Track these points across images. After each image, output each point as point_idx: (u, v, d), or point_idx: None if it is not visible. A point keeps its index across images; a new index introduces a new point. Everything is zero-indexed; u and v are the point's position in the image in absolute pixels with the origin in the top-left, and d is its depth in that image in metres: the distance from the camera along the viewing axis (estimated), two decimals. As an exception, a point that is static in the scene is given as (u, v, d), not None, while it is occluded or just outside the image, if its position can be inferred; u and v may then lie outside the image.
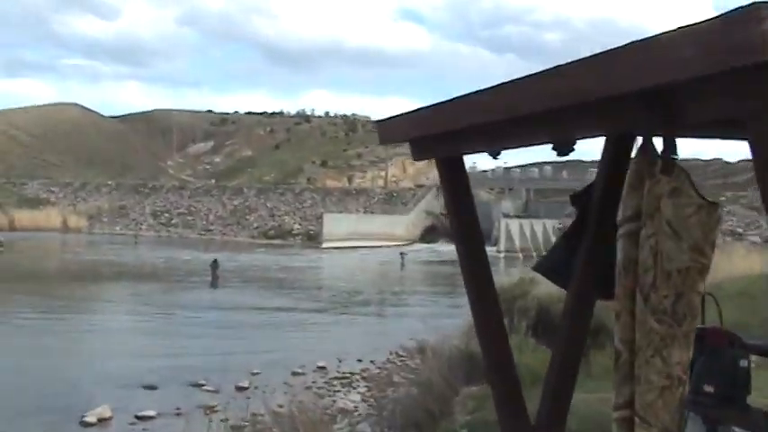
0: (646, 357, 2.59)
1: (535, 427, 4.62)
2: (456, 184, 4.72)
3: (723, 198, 76.71)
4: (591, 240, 4.56)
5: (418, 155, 4.95)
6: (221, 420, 14.85)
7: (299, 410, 12.00)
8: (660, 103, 2.58)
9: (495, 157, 4.32)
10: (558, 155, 3.69)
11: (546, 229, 72.51)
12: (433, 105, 4.29)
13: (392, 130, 4.80)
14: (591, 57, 2.67)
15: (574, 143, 3.57)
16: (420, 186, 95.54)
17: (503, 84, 3.41)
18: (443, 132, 4.29)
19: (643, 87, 2.49)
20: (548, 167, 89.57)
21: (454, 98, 4.02)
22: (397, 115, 4.73)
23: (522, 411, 4.65)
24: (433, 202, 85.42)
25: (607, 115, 2.81)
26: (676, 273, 2.55)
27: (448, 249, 72.39)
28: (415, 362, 20.19)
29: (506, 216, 74.46)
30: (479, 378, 9.01)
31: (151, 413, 15.64)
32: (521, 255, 67.28)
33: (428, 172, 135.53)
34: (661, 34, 2.45)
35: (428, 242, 78.59)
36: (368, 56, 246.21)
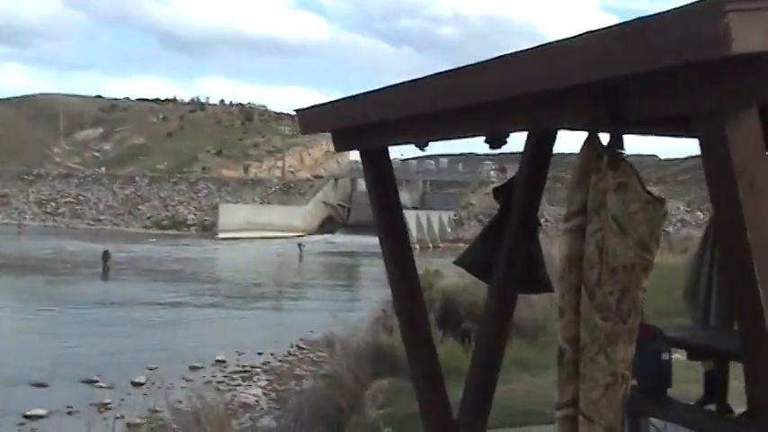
0: (590, 355, 2.57)
1: (458, 422, 4.60)
2: (380, 176, 4.64)
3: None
4: (514, 234, 4.57)
5: (341, 145, 4.85)
6: (116, 418, 14.38)
7: (201, 406, 11.72)
8: (607, 99, 2.55)
9: (422, 149, 4.26)
10: (491, 148, 3.66)
11: (442, 221, 73.61)
12: (358, 96, 4.19)
13: (314, 119, 4.68)
14: (534, 49, 2.62)
15: (507, 136, 3.54)
16: (318, 177, 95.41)
17: (434, 75, 3.35)
18: (368, 123, 4.21)
19: (589, 82, 2.46)
20: (444, 160, 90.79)
21: (380, 89, 3.93)
22: (320, 104, 4.62)
23: (446, 406, 4.62)
24: (331, 194, 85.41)
25: (547, 109, 2.78)
26: (622, 269, 2.54)
27: (345, 240, 72.56)
28: (318, 354, 20.13)
29: (404, 207, 74.95)
30: (388, 372, 9.00)
31: (41, 412, 14.99)
32: (417, 246, 67.86)
33: (325, 163, 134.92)
34: (609, 27, 2.43)
35: (326, 233, 78.48)
36: (265, 44, 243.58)
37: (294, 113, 4.81)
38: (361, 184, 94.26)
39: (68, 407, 15.45)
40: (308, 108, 4.60)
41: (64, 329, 23.81)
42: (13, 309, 28.12)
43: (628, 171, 2.52)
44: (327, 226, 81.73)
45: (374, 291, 31.28)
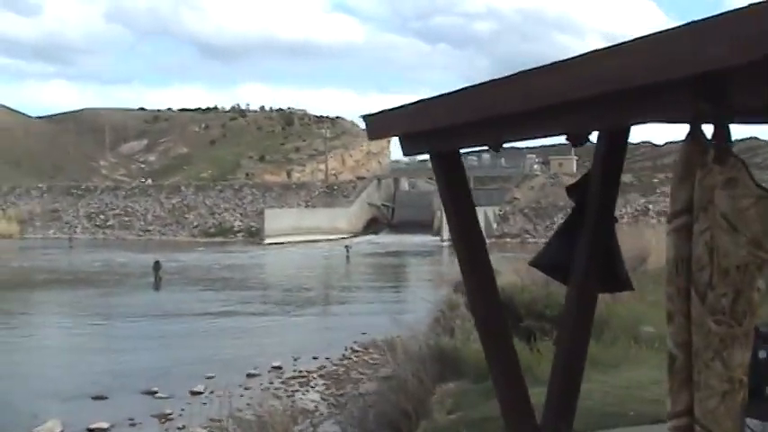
0: (705, 361, 2.44)
1: (541, 427, 4.48)
2: (453, 179, 4.55)
3: (656, 180, 78.40)
4: (591, 232, 4.43)
5: (409, 149, 4.77)
6: (179, 428, 14.50)
7: (262, 413, 11.74)
8: (710, 90, 2.43)
9: (496, 151, 4.15)
10: (574, 146, 3.53)
11: (487, 217, 72.98)
12: (428, 100, 4.10)
13: (382, 124, 4.60)
14: (633, 42, 2.51)
15: (590, 134, 3.42)
16: (360, 178, 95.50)
17: (515, 75, 3.23)
18: (440, 127, 4.11)
19: (693, 73, 2.34)
20: (486, 155, 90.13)
21: (452, 92, 3.83)
22: (387, 110, 4.54)
23: (529, 411, 4.51)
24: (375, 194, 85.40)
25: (651, 103, 2.65)
26: (734, 269, 2.40)
27: (391, 240, 72.54)
28: (373, 357, 20.09)
29: (448, 205, 74.81)
30: (452, 375, 8.87)
31: (104, 425, 15.11)
32: (464, 243, 67.74)
33: (367, 164, 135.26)
34: (712, 18, 2.30)
35: (371, 233, 78.55)
36: (301, 48, 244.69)
37: (361, 118, 4.72)
38: (404, 184, 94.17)
39: (130, 419, 15.58)
40: (375, 114, 4.52)
41: (120, 341, 24.08)
42: (70, 322, 28.56)
43: (737, 165, 2.38)
44: (372, 226, 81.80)
45: (425, 291, 31.19)
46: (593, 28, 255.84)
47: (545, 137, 3.61)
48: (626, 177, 70.59)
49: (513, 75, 3.25)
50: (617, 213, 4.88)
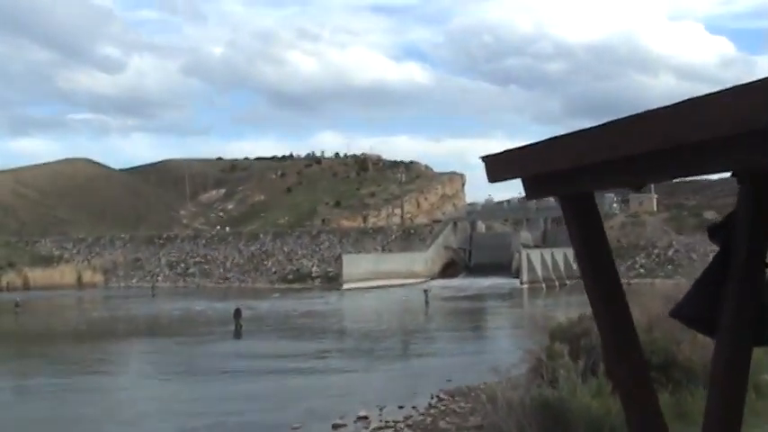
0: None
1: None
2: (587, 223, 4.18)
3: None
4: (739, 279, 3.99)
5: (534, 192, 4.41)
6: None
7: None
8: None
9: (637, 191, 3.78)
10: (739, 183, 3.14)
11: (567, 258, 71.71)
12: (561, 138, 3.75)
13: (505, 165, 4.26)
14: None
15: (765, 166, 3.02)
16: (436, 222, 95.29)
17: (660, 109, 2.89)
18: (574, 167, 3.77)
19: None
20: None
21: (586, 129, 3.49)
22: (510, 150, 4.21)
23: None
24: (451, 237, 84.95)
25: None
26: None
27: (469, 283, 71.83)
28: (460, 405, 19.53)
29: (526, 246, 73.77)
30: (556, 429, 8.35)
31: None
32: (544, 285, 66.54)
33: (442, 206, 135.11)
34: None
35: (449, 277, 77.97)
36: (374, 95, 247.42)
37: (481, 160, 4.38)
38: (481, 227, 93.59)
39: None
40: (497, 155, 4.16)
41: (202, 392, 24.04)
42: (153, 373, 28.71)
43: None
44: (449, 270, 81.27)
45: (512, 336, 30.51)
46: (667, 64, 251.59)
47: (702, 173, 3.22)
48: None
49: (666, 106, 2.87)
50: None
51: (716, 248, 4.09)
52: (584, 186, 4.04)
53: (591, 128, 3.45)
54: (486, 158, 4.40)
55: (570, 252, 72.86)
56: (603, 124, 3.36)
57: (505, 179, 4.59)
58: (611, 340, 4.34)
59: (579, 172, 3.78)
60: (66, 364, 30.09)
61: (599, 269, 4.36)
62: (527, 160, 4.08)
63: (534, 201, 61.36)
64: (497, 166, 4.40)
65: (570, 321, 12.35)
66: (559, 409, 8.21)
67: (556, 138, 3.82)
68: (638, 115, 3.13)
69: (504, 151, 4.29)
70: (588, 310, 12.08)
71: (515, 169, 4.31)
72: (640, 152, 3.15)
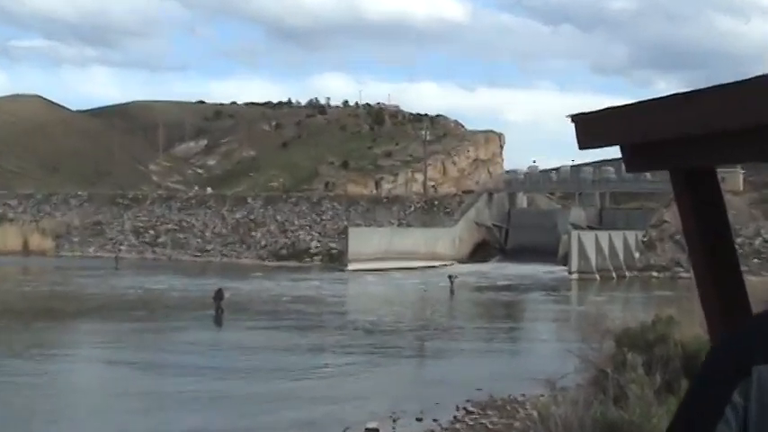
0: None
1: None
2: (704, 205, 4.03)
3: None
4: None
5: (636, 164, 4.26)
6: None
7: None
8: None
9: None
10: None
11: (627, 244, 71.52)
12: (670, 98, 3.61)
13: (603, 128, 4.12)
14: None
15: None
16: (467, 192, 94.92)
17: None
18: (686, 135, 3.61)
19: None
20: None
21: (708, 89, 3.32)
22: (611, 109, 4.06)
23: None
24: (485, 212, 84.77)
25: None
26: None
27: (505, 270, 71.75)
28: (493, 421, 19.51)
29: (577, 228, 73.53)
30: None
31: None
32: (598, 276, 66.36)
33: (474, 173, 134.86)
34: None
35: (479, 261, 77.89)
36: (394, 31, 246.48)
37: (570, 118, 4.22)
38: (522, 200, 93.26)
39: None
40: (591, 114, 3.99)
41: (164, 388, 24.15)
42: (103, 363, 28.78)
43: None
44: (481, 252, 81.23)
45: (558, 340, 30.41)
46: (762, 6, 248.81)
47: None
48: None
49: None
50: None
51: None
52: (702, 159, 3.88)
53: (727, 84, 3.27)
54: (577, 118, 4.24)
55: (633, 236, 72.67)
56: (747, 80, 3.18)
57: (601, 145, 4.44)
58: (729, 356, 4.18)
59: (706, 140, 3.62)
60: None
61: (717, 260, 4.20)
62: (636, 122, 3.93)
63: (590, 170, 60.83)
64: (593, 129, 4.23)
65: (643, 325, 12.19)
66: (628, 434, 8.09)
67: (676, 95, 3.65)
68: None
69: (604, 110, 4.12)
70: (662, 311, 11.87)
71: (617, 134, 4.15)
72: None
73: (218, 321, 39.50)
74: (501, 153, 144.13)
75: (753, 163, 3.67)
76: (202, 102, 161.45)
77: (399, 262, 71.63)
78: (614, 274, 67.91)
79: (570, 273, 65.79)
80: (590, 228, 77.11)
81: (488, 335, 37.36)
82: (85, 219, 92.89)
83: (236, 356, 29.71)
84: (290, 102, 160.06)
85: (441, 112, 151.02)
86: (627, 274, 69.16)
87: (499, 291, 57.49)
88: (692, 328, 11.52)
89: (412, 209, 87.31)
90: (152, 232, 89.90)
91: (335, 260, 76.50)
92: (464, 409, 21.67)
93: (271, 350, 31.20)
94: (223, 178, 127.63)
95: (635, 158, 4.38)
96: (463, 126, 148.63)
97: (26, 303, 45.69)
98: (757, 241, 72.80)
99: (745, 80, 3.19)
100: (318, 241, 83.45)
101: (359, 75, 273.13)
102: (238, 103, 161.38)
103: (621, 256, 70.17)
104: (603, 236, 70.50)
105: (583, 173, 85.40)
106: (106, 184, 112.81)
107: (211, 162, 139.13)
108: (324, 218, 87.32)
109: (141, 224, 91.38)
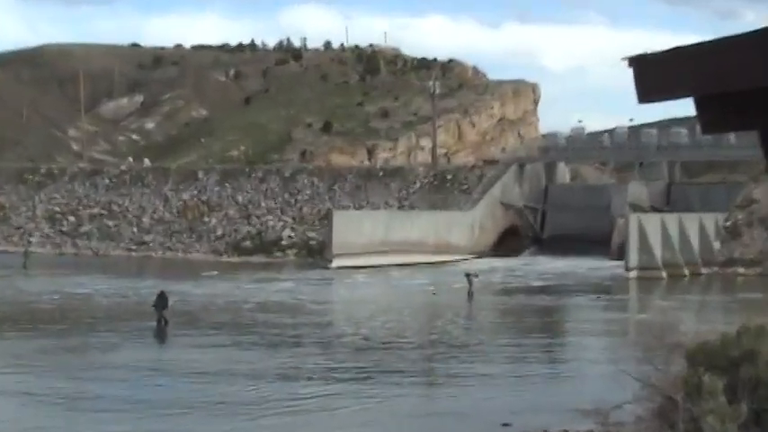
0: None
1: None
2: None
3: None
4: None
5: (718, 123, 4.20)
6: None
7: None
8: None
9: None
10: None
11: (704, 230, 71.60)
12: (766, 31, 3.52)
13: (668, 76, 4.04)
14: None
15: None
16: (489, 162, 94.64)
17: None
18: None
19: None
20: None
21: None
22: (676, 49, 3.97)
23: None
24: (513, 189, 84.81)
25: None
26: None
27: (540, 266, 71.88)
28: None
29: (637, 209, 73.65)
30: None
31: None
32: (665, 274, 66.49)
33: (498, 138, 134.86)
34: None
35: (506, 255, 78.00)
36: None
37: (627, 62, 4.12)
38: (563, 173, 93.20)
39: None
40: (653, 55, 3.95)
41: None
42: (9, 398, 28.81)
43: None
44: (509, 243, 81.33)
45: (612, 359, 30.49)
46: None
47: None
48: None
49: None
50: None
51: None
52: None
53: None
54: (636, 61, 4.14)
55: (710, 221, 72.75)
56: None
57: (668, 98, 4.35)
58: None
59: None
60: None
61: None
62: (714, 67, 3.83)
63: (655, 133, 61.50)
64: (657, 76, 4.16)
65: (724, 338, 12.17)
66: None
67: (751, 33, 3.55)
68: None
69: (672, 50, 4.04)
70: (750, 320, 11.88)
71: (688, 82, 4.07)
72: None
73: (159, 336, 39.70)
74: (535, 111, 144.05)
75: None
76: (137, 45, 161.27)
77: (400, 256, 71.79)
78: (686, 271, 68.04)
79: (628, 269, 65.93)
80: (654, 209, 77.24)
81: (519, 353, 37.46)
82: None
83: (183, 385, 29.84)
84: (253, 44, 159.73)
85: (454, 57, 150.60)
86: (703, 270, 69.27)
87: (533, 294, 57.64)
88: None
89: (417, 186, 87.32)
90: (72, 219, 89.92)
91: (315, 254, 76.68)
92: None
93: (228, 375, 31.30)
94: (165, 147, 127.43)
95: (713, 115, 4.30)
96: (485, 75, 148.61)
97: None
98: None
99: None
100: (292, 229, 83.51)
101: (345, 7, 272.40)
102: (185, 46, 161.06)
103: (696, 246, 70.27)
104: (672, 220, 70.60)
105: (645, 136, 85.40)
106: (11, 155, 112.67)
107: (150, 125, 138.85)
108: (299, 198, 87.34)
109: (58, 208, 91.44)
